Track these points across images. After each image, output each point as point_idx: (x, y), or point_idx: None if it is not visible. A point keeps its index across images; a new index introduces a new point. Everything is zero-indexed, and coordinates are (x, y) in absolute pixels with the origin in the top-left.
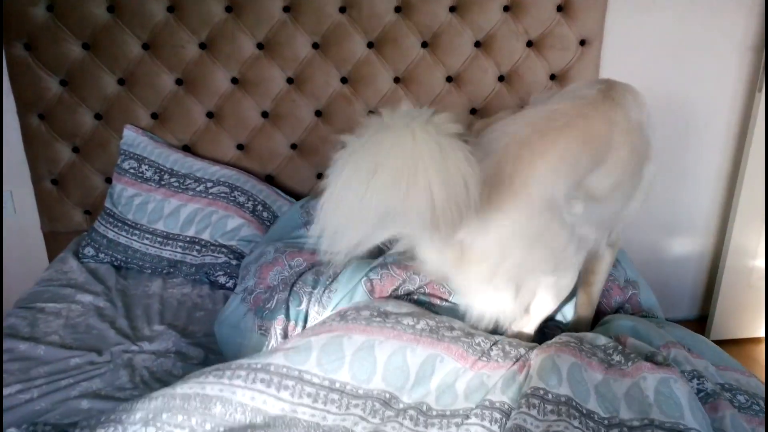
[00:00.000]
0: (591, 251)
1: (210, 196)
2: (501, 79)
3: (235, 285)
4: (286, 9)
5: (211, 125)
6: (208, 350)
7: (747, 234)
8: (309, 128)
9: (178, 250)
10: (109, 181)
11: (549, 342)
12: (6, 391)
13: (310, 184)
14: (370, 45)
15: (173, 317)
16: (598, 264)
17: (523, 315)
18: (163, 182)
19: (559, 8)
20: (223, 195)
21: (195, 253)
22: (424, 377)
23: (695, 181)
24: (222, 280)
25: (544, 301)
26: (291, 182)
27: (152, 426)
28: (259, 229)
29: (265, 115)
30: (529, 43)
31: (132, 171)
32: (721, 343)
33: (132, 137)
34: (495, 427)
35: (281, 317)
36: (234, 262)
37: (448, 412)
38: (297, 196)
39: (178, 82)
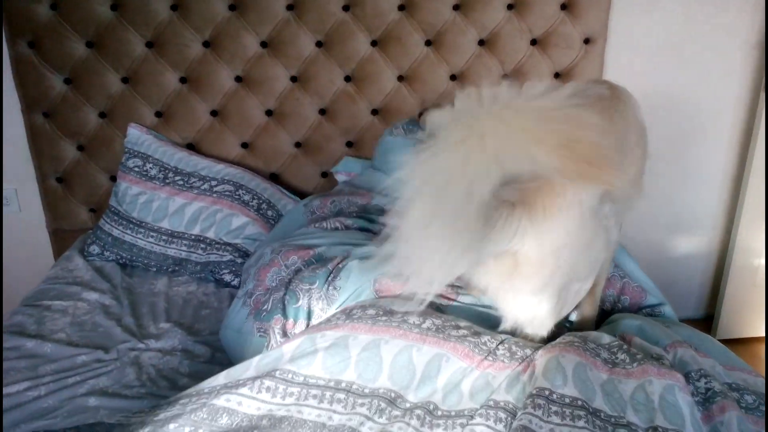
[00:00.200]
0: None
1: (214, 195)
2: (505, 77)
3: (240, 283)
4: (290, 7)
5: (216, 124)
6: (214, 348)
7: (753, 233)
8: (313, 126)
9: (183, 248)
10: (113, 179)
11: (553, 342)
12: (14, 388)
13: (314, 182)
14: (373, 43)
15: (179, 315)
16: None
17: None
18: (167, 180)
19: (563, 6)
20: (227, 193)
21: (200, 251)
22: (430, 376)
23: (700, 180)
24: (227, 278)
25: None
26: (295, 180)
27: None
28: (264, 228)
29: (269, 113)
30: (533, 42)
31: (137, 169)
32: (727, 342)
33: (136, 136)
34: (500, 427)
35: (278, 316)
36: (239, 261)
37: (453, 413)
38: (301, 194)
39: (182, 80)
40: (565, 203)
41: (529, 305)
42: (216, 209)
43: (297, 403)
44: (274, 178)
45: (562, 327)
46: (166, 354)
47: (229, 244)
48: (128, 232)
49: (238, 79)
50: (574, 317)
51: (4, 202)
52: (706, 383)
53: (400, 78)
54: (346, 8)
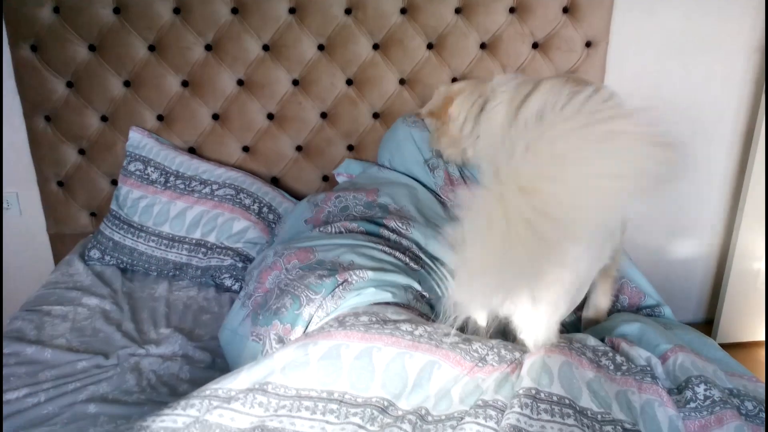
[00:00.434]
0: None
1: (216, 199)
2: None
3: (241, 288)
4: (292, 10)
5: (217, 127)
6: (214, 354)
7: (753, 236)
8: (315, 130)
9: (184, 252)
10: (115, 183)
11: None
12: (13, 395)
13: (315, 185)
14: (375, 46)
15: (179, 320)
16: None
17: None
18: (168, 184)
19: (565, 10)
20: (228, 197)
21: (201, 255)
22: (421, 384)
23: (701, 183)
24: (228, 282)
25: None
26: (297, 184)
27: None
28: (265, 232)
29: (270, 116)
30: (535, 45)
31: (138, 173)
32: (727, 346)
33: (138, 139)
34: (491, 423)
35: (276, 321)
36: (240, 265)
37: (443, 417)
38: (302, 198)
39: (184, 83)
40: (594, 225)
41: (545, 315)
42: (217, 213)
43: (290, 415)
44: (276, 181)
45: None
46: (166, 360)
47: (230, 249)
48: (129, 236)
49: (240, 82)
50: (588, 312)
51: (4, 205)
52: (705, 390)
53: (402, 81)
54: (348, 11)
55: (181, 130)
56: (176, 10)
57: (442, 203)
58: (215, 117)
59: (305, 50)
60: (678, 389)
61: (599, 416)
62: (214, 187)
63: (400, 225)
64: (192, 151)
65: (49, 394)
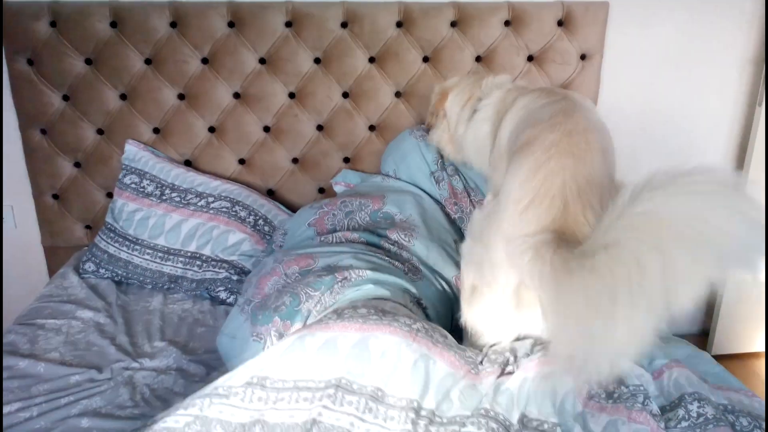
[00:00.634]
0: None
1: (211, 211)
2: None
3: (236, 300)
4: (288, 24)
5: (213, 140)
6: (209, 367)
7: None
8: (310, 143)
9: (179, 265)
10: (110, 195)
11: (540, 356)
12: (6, 409)
13: (311, 198)
14: (371, 60)
15: (174, 333)
16: None
17: None
18: (164, 197)
19: (560, 23)
20: (224, 210)
21: (196, 268)
22: (418, 376)
23: None
24: (223, 295)
25: None
26: (292, 196)
27: None
28: (261, 244)
29: (266, 129)
30: (530, 58)
31: (133, 186)
32: (723, 357)
33: (133, 152)
34: None
35: (276, 318)
36: (235, 278)
37: (445, 420)
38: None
39: (180, 97)
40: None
41: None
42: (212, 226)
43: (288, 408)
44: (271, 194)
45: None
46: (160, 373)
47: (225, 261)
48: (124, 249)
49: (237, 95)
50: None
51: None
52: (699, 407)
53: (398, 94)
54: (344, 25)
55: (177, 142)
56: (173, 24)
57: (447, 214)
58: (211, 130)
59: (301, 63)
60: (671, 406)
61: None
62: (210, 199)
63: (402, 237)
64: (188, 163)
65: (41, 408)
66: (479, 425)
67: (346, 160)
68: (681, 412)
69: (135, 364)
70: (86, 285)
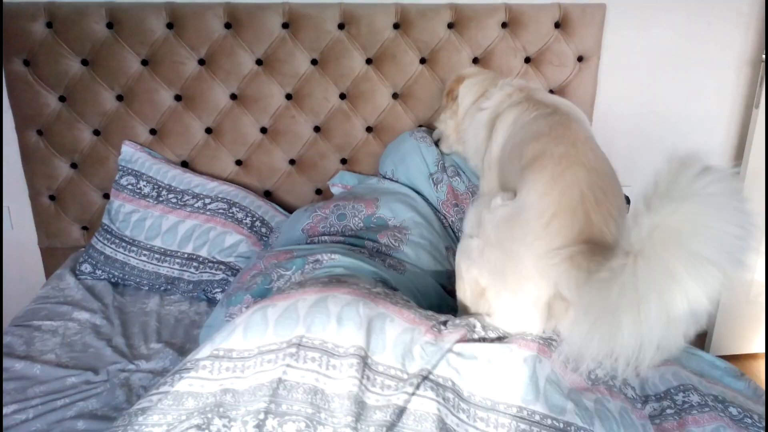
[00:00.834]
0: None
1: (208, 213)
2: None
3: None
4: (285, 25)
5: (210, 141)
6: None
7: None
8: (308, 144)
9: (176, 266)
10: (107, 197)
11: (528, 336)
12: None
13: (308, 199)
14: (368, 61)
15: (170, 335)
16: None
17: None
18: (161, 198)
19: (557, 25)
20: (221, 211)
21: (192, 269)
22: (374, 332)
23: None
24: (219, 297)
25: None
26: (289, 198)
27: (131, 429)
28: (257, 245)
29: (263, 131)
30: (527, 59)
31: (130, 187)
32: (721, 359)
33: (130, 153)
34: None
35: (247, 296)
36: (232, 279)
37: (405, 376)
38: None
39: (177, 98)
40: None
41: None
42: (209, 227)
43: (254, 373)
44: (269, 195)
45: None
46: (156, 375)
47: (222, 263)
48: (121, 250)
49: (233, 96)
50: None
51: None
52: (684, 397)
53: (395, 95)
54: (341, 26)
55: (174, 144)
56: (169, 25)
57: (440, 219)
58: (208, 131)
59: (299, 65)
60: (656, 398)
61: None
62: (207, 201)
63: (392, 241)
64: (185, 164)
65: (37, 410)
66: (437, 391)
67: (344, 161)
68: (666, 403)
69: (131, 366)
70: (83, 286)
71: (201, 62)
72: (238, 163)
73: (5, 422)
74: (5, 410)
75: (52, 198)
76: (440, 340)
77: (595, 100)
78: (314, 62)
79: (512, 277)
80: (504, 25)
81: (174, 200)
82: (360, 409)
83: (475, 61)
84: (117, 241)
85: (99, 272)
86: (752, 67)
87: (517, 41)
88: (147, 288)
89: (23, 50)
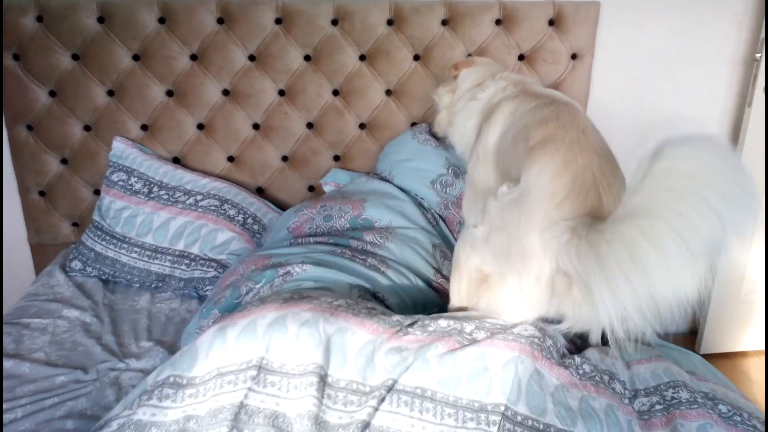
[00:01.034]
0: None
1: (200, 209)
2: None
3: None
4: (279, 21)
5: (202, 137)
6: None
7: (737, 247)
8: (300, 140)
9: (167, 263)
10: (97, 193)
11: (512, 332)
12: None
13: (301, 196)
14: (362, 57)
15: (161, 333)
16: None
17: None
18: (152, 195)
19: (551, 22)
20: (213, 208)
21: (184, 267)
22: (335, 348)
23: None
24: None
25: None
26: (282, 194)
27: None
28: (250, 243)
29: (256, 127)
30: (521, 57)
31: (121, 183)
32: (712, 356)
33: (121, 149)
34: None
35: (215, 311)
36: None
37: (367, 389)
38: (288, 208)
39: (169, 93)
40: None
41: None
42: (201, 224)
43: (215, 395)
44: (261, 192)
45: None
46: (147, 374)
47: (213, 260)
48: (111, 247)
49: (226, 92)
50: None
51: None
52: (673, 393)
53: (389, 92)
54: (334, 22)
55: (166, 140)
56: (161, 20)
57: (429, 219)
58: (200, 127)
59: (292, 60)
60: (646, 392)
61: None
62: (199, 197)
63: (377, 238)
64: (176, 161)
65: (26, 409)
66: (410, 403)
67: (336, 158)
68: (655, 398)
69: (121, 365)
70: (73, 283)
71: (193, 57)
72: (231, 159)
73: None
74: None
75: (42, 194)
76: (405, 347)
77: (589, 98)
78: (307, 58)
79: (517, 258)
80: (498, 22)
81: (165, 197)
82: (321, 429)
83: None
84: (108, 237)
85: (89, 269)
86: (745, 66)
87: (511, 38)
88: (138, 285)
89: (13, 44)
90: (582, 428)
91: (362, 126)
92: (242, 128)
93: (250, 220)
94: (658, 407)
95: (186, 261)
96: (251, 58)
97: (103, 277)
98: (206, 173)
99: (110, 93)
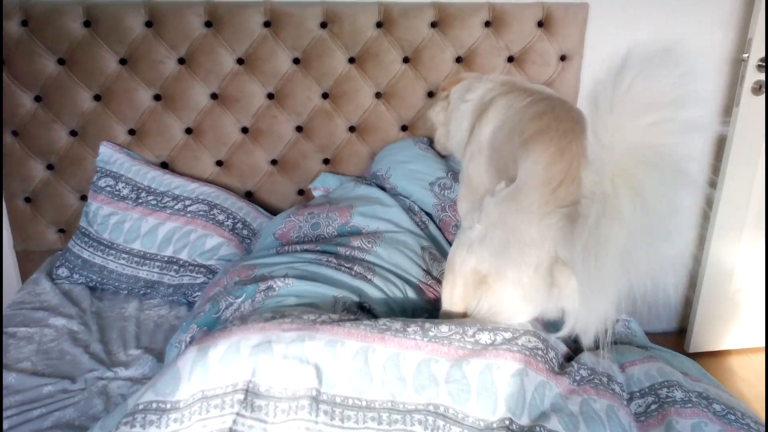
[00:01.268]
0: None
1: (188, 215)
2: None
3: None
4: (267, 24)
5: (190, 142)
6: None
7: (725, 245)
8: (290, 144)
9: (156, 270)
10: (84, 199)
11: (518, 343)
12: None
13: (290, 200)
14: (351, 60)
15: (150, 341)
16: None
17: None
18: (140, 200)
19: (540, 24)
20: (201, 213)
21: (173, 273)
22: (326, 366)
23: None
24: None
25: None
26: (271, 199)
27: None
28: (239, 248)
29: (245, 131)
30: (510, 59)
31: (108, 189)
32: (700, 355)
33: (108, 154)
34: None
35: (193, 326)
36: None
37: (363, 403)
38: (277, 212)
39: (156, 97)
40: None
41: None
42: (190, 229)
43: (201, 419)
44: (250, 196)
45: None
46: (135, 383)
47: (202, 266)
48: (98, 254)
49: (214, 96)
50: None
51: None
52: (667, 392)
53: (378, 95)
54: (323, 25)
55: (154, 144)
56: (148, 24)
57: (417, 223)
58: (188, 131)
59: (280, 64)
60: (641, 393)
61: None
62: (187, 202)
63: (365, 243)
64: (164, 165)
65: (12, 421)
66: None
67: (326, 161)
68: (650, 398)
69: (109, 374)
70: (59, 291)
71: (181, 61)
72: (219, 163)
73: None
74: None
75: (27, 200)
76: (403, 359)
77: (578, 99)
78: (296, 61)
79: (515, 249)
80: (487, 24)
81: (153, 202)
82: None
83: (459, 60)
84: (95, 244)
85: (76, 276)
86: (732, 66)
87: (500, 40)
88: (126, 292)
89: None
90: (585, 431)
91: (352, 129)
92: (231, 132)
93: (239, 225)
94: (653, 407)
95: (175, 267)
96: (240, 61)
97: (91, 284)
98: (195, 178)
99: (97, 98)
